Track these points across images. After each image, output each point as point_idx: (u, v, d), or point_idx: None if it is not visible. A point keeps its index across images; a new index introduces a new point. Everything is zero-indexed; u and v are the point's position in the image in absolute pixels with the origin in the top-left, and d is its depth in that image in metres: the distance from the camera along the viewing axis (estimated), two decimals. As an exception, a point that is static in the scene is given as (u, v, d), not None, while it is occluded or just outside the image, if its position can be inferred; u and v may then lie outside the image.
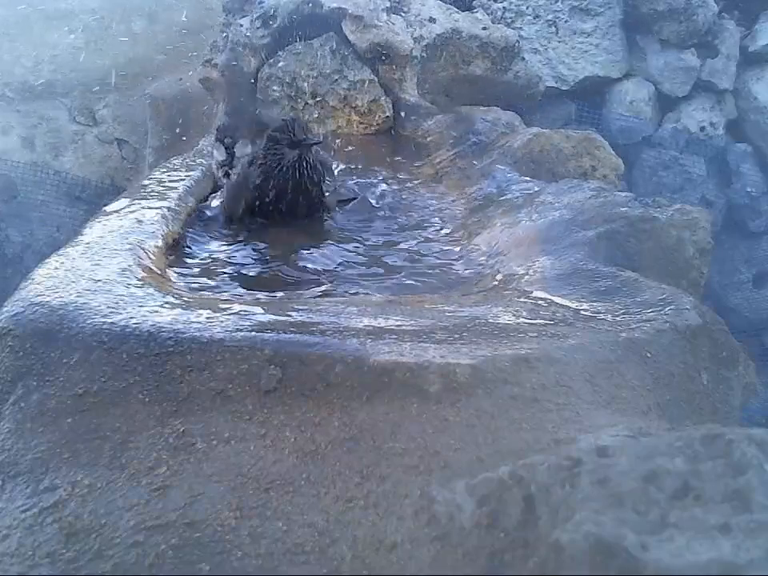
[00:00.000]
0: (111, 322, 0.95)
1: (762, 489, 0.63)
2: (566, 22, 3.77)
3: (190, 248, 1.61)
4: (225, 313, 1.02)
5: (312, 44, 2.86)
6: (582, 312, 1.15)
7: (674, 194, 3.66)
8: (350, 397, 0.86)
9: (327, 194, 1.92)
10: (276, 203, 1.82)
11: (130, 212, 1.56)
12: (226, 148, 1.96)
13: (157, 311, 1.00)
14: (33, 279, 1.09)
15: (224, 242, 1.72)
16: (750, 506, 0.62)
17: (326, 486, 0.78)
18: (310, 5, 2.81)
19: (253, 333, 0.94)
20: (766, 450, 0.67)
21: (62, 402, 0.87)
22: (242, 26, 2.88)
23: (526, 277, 1.37)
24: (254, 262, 1.63)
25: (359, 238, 1.81)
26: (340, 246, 1.74)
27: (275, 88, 2.87)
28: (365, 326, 1.01)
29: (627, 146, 3.62)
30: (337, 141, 2.60)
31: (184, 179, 1.91)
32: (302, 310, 1.08)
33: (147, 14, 3.93)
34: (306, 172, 1.82)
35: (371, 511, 0.75)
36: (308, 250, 1.66)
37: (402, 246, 1.76)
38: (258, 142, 1.93)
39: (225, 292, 1.39)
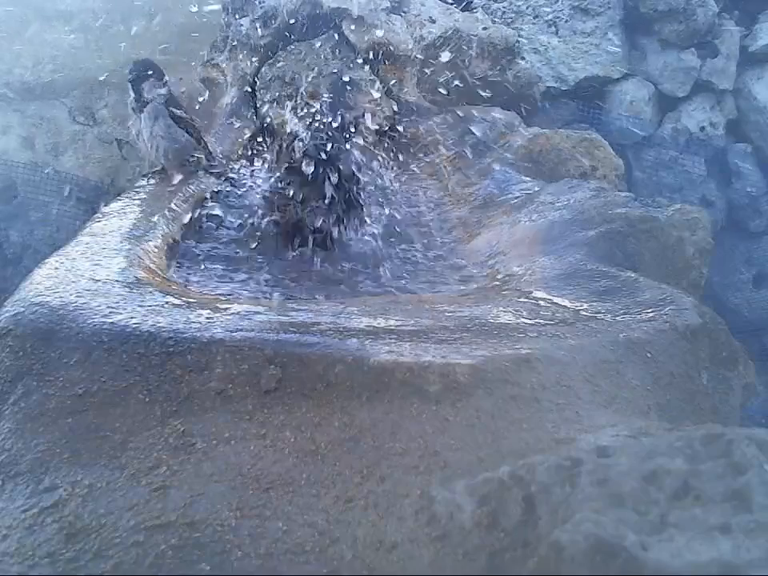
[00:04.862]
0: (111, 322, 0.95)
1: (762, 489, 0.63)
2: (566, 22, 3.77)
3: (190, 247, 1.60)
4: (225, 313, 1.02)
5: (312, 44, 2.86)
6: (582, 312, 1.15)
7: (673, 194, 3.66)
8: (350, 397, 0.86)
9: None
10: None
11: (130, 212, 1.56)
12: (132, 86, 1.92)
13: (157, 311, 1.00)
14: (33, 279, 1.09)
15: (225, 241, 1.72)
16: (750, 506, 0.62)
17: (326, 486, 0.78)
18: (310, 5, 2.81)
19: (253, 333, 0.94)
20: (766, 450, 0.67)
21: (62, 402, 0.87)
22: (242, 26, 2.88)
23: (526, 277, 1.36)
24: (255, 260, 1.63)
25: (357, 238, 1.80)
26: (339, 244, 1.74)
27: (275, 88, 2.87)
28: (365, 326, 1.01)
29: (627, 145, 3.61)
30: None
31: (185, 179, 1.90)
32: (301, 310, 1.08)
33: (147, 14, 3.93)
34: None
35: (371, 511, 0.75)
36: (310, 248, 1.66)
37: (402, 246, 1.75)
38: (168, 91, 1.87)
39: (226, 291, 1.39)
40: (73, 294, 1.03)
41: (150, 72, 1.89)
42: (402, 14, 2.92)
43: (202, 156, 1.94)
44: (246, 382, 0.88)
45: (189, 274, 1.46)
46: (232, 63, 2.94)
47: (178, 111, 1.87)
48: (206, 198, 1.91)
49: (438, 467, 0.78)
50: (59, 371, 0.90)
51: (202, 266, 1.52)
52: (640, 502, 0.64)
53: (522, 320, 1.09)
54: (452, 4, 3.11)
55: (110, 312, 0.98)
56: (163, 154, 1.86)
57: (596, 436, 0.77)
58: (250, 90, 2.90)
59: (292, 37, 2.86)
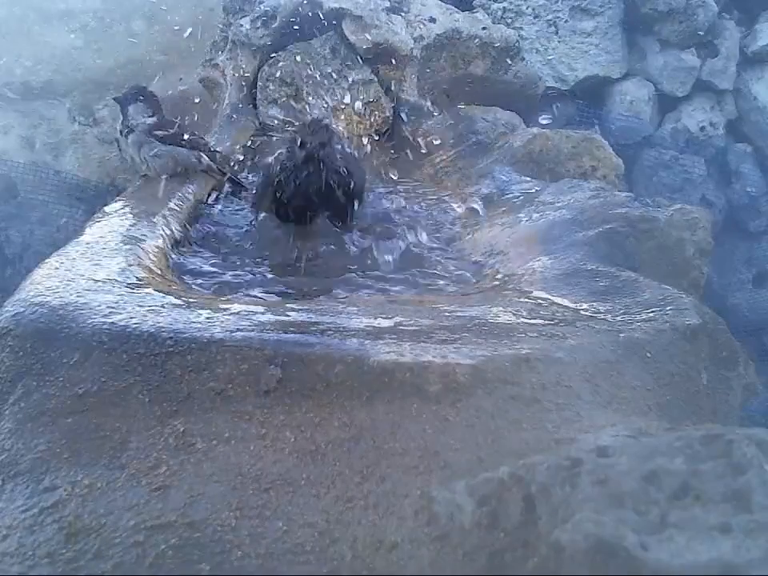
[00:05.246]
0: (111, 322, 0.94)
1: (762, 489, 0.63)
2: (566, 22, 3.77)
3: (190, 247, 1.61)
4: (225, 313, 1.02)
5: (312, 44, 2.86)
6: (582, 312, 1.15)
7: (673, 194, 3.66)
8: (350, 397, 0.86)
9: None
10: (291, 202, 1.77)
11: (130, 212, 1.56)
12: (120, 106, 1.95)
13: (157, 311, 1.00)
14: (33, 279, 1.09)
15: (225, 241, 1.72)
16: (750, 506, 0.62)
17: (326, 486, 0.78)
18: (310, 5, 2.81)
19: (253, 333, 0.94)
20: (766, 449, 0.67)
21: (62, 402, 0.87)
22: (242, 26, 2.88)
23: (526, 277, 1.37)
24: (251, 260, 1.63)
25: (359, 238, 1.81)
26: (340, 246, 1.74)
27: (275, 88, 2.87)
28: (365, 326, 1.01)
29: (627, 145, 3.62)
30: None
31: (184, 179, 1.91)
32: (301, 310, 1.08)
33: (147, 14, 3.93)
34: (318, 173, 1.75)
35: (371, 511, 0.75)
36: (311, 250, 1.66)
37: (402, 246, 1.75)
38: (157, 112, 1.90)
39: (225, 292, 1.39)
40: (73, 294, 1.03)
41: (141, 98, 1.91)
42: (402, 14, 2.92)
43: (203, 157, 1.95)
44: (245, 382, 0.88)
45: (190, 273, 1.46)
46: (232, 63, 2.94)
47: (167, 132, 1.88)
48: (207, 197, 1.91)
49: (438, 467, 0.78)
50: (59, 371, 0.90)
51: (204, 266, 1.52)
52: (640, 502, 0.64)
53: (522, 320, 1.09)
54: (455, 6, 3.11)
55: (110, 312, 0.97)
56: (159, 171, 1.89)
57: (596, 436, 0.77)
58: (249, 89, 2.90)
59: (292, 37, 2.86)
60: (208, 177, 2.00)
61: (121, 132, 1.94)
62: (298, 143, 1.77)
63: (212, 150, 2.02)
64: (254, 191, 1.93)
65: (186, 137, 1.92)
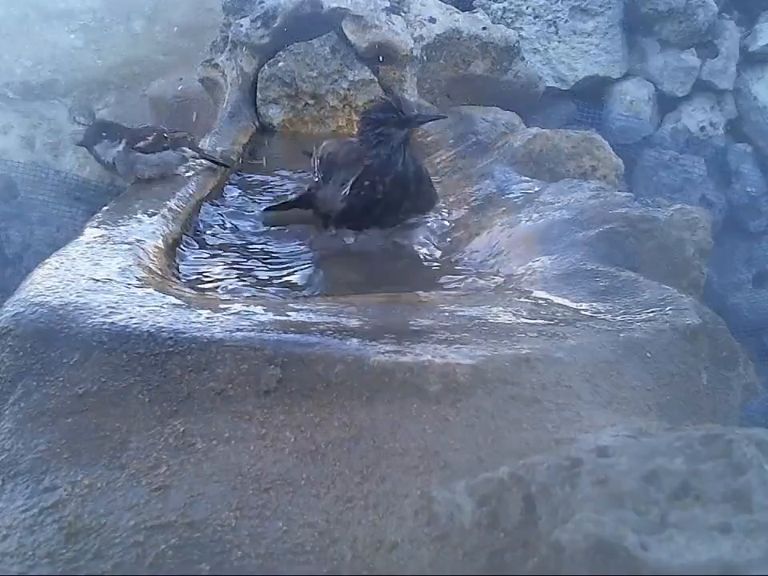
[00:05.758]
0: (111, 322, 0.95)
1: (762, 489, 0.63)
2: (565, 22, 3.77)
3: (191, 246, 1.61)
4: (225, 313, 1.02)
5: (312, 44, 2.86)
6: (582, 312, 1.15)
7: (673, 194, 3.66)
8: (350, 397, 0.86)
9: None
10: (387, 197, 1.55)
11: (130, 212, 1.56)
12: (87, 150, 1.98)
13: (157, 311, 1.00)
14: (33, 279, 1.09)
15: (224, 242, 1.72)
16: (750, 506, 0.62)
17: (326, 486, 0.78)
18: (310, 5, 2.81)
19: (253, 333, 0.94)
20: (766, 450, 0.67)
21: (62, 402, 0.87)
22: (241, 26, 2.88)
23: (526, 277, 1.36)
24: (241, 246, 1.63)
25: (357, 239, 1.80)
26: (339, 246, 1.74)
27: (275, 88, 2.87)
28: (365, 325, 1.01)
29: (627, 145, 3.62)
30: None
31: (184, 179, 1.91)
32: (301, 310, 1.08)
33: (147, 14, 3.93)
34: (411, 155, 1.57)
35: (371, 511, 0.75)
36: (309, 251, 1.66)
37: (401, 246, 1.75)
38: (125, 144, 1.90)
39: (225, 291, 1.39)
40: (73, 294, 1.03)
41: (103, 134, 1.93)
42: (402, 13, 2.92)
43: (186, 151, 1.96)
44: (245, 382, 0.88)
45: (191, 272, 1.46)
46: (232, 63, 2.95)
47: (148, 141, 1.90)
48: (206, 198, 1.91)
49: (438, 467, 0.78)
50: (59, 371, 0.90)
51: (203, 266, 1.52)
52: (640, 502, 0.64)
53: (522, 320, 1.09)
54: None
55: (110, 312, 0.98)
56: (161, 175, 1.91)
57: (596, 436, 0.77)
58: (249, 89, 2.90)
59: (292, 37, 2.86)
60: (208, 176, 2.00)
61: (107, 169, 1.97)
62: (394, 114, 1.52)
63: (187, 137, 2.02)
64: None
65: (166, 137, 1.93)
